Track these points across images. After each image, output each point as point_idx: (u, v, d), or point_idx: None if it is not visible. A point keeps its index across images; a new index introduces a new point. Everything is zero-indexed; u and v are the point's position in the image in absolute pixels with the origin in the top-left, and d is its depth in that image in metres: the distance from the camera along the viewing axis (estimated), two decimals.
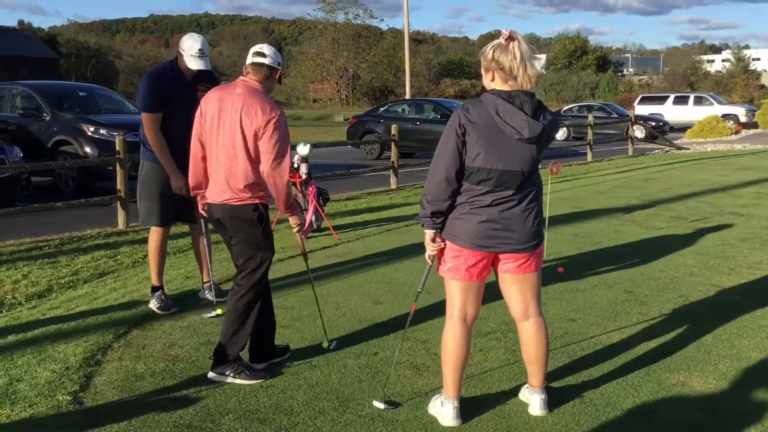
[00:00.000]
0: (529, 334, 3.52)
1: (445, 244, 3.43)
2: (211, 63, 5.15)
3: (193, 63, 5.00)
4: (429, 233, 3.44)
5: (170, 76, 5.08)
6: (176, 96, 5.07)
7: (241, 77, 4.10)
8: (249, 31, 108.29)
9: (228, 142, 3.97)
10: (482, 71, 3.33)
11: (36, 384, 3.94)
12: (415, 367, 4.17)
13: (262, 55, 4.04)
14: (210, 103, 4.05)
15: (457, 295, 3.46)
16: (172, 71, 5.10)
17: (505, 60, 3.19)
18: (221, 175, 4.01)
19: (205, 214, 4.34)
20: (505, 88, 3.24)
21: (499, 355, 4.35)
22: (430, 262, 3.58)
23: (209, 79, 5.23)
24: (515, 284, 3.47)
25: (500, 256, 3.41)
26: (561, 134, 27.69)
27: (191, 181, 4.24)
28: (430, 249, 3.47)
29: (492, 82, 3.28)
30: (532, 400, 3.60)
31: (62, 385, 3.93)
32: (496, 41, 3.27)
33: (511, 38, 3.20)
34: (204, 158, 4.13)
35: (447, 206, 3.35)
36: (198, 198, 4.32)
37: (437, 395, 3.62)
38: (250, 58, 4.07)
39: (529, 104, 3.19)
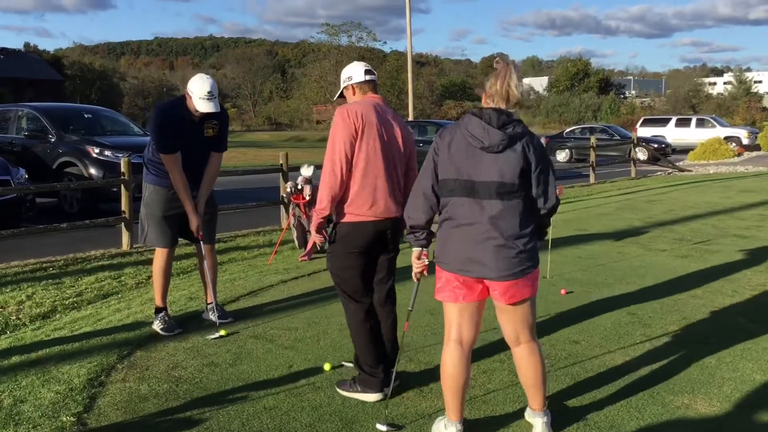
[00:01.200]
0: (522, 358, 3.50)
1: (428, 261, 3.52)
2: (216, 85, 5.17)
3: (202, 106, 5.00)
4: (415, 251, 3.53)
5: (179, 114, 5.10)
6: (185, 135, 5.10)
7: (370, 95, 4.07)
8: (253, 53, 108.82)
9: (396, 158, 4.01)
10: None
11: (40, 405, 3.94)
12: (419, 389, 4.16)
13: (373, 72, 4.12)
14: (369, 120, 3.90)
15: (453, 318, 3.47)
16: (181, 110, 5.11)
17: (488, 81, 3.34)
18: (394, 191, 3.99)
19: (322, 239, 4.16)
20: (484, 106, 3.35)
21: (503, 377, 4.35)
22: (415, 280, 3.65)
23: (217, 115, 5.23)
24: (504, 313, 3.45)
25: (486, 282, 3.37)
26: (564, 156, 27.76)
27: (331, 205, 3.92)
28: (416, 266, 3.57)
29: (483, 102, 3.41)
30: (535, 423, 3.58)
31: (66, 406, 3.93)
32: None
33: (497, 61, 3.35)
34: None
35: (425, 221, 3.42)
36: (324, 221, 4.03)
37: (440, 417, 3.62)
38: (364, 76, 4.09)
39: (495, 118, 3.25)
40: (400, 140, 4.03)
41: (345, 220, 3.94)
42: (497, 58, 3.37)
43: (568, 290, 6.40)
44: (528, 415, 3.70)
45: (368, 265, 4.05)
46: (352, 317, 4.09)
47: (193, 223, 5.24)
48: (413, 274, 3.61)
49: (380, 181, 3.92)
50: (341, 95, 4.25)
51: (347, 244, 3.98)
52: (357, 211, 3.92)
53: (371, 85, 4.11)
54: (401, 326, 4.07)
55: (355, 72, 4.12)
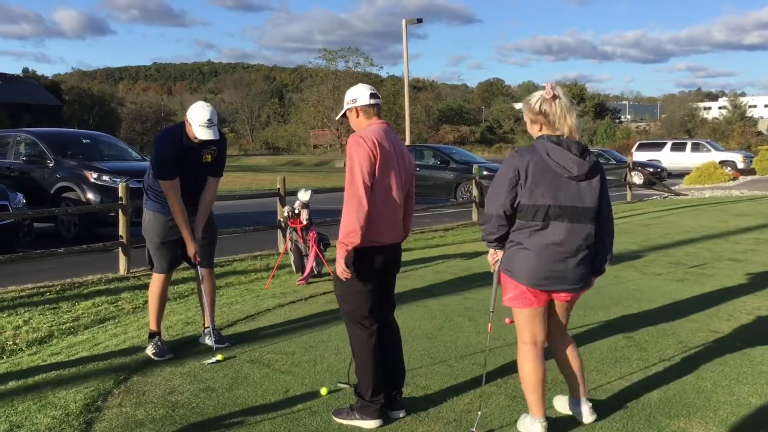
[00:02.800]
0: (569, 351, 3.91)
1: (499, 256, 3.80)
2: (216, 113, 5.21)
3: (201, 133, 5.04)
4: (491, 252, 3.82)
5: (178, 141, 5.13)
6: (184, 161, 5.15)
7: (375, 120, 4.05)
8: (251, 78, 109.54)
9: (406, 183, 4.08)
10: (528, 121, 3.72)
11: (36, 430, 3.94)
12: (416, 413, 4.16)
13: (378, 96, 4.12)
14: (383, 147, 3.89)
15: (526, 322, 3.76)
16: (180, 136, 5.14)
17: (551, 111, 3.59)
18: (401, 215, 4.07)
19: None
20: (547, 133, 3.63)
21: (500, 401, 4.34)
22: (493, 271, 3.86)
23: (215, 141, 5.23)
24: (559, 312, 3.84)
25: (555, 292, 3.73)
26: None
27: (358, 234, 3.81)
28: (492, 261, 3.84)
29: (539, 131, 3.67)
30: (583, 409, 3.93)
31: (62, 431, 3.92)
32: (539, 93, 3.67)
33: (555, 96, 3.60)
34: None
35: (500, 236, 3.70)
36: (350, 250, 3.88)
37: (525, 414, 3.91)
38: (369, 99, 4.04)
39: (576, 147, 3.58)
40: (407, 165, 4.10)
41: (362, 245, 3.86)
42: (551, 84, 3.63)
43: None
44: (569, 404, 4.03)
45: (375, 289, 4.03)
46: (358, 345, 4.04)
47: (191, 249, 5.26)
48: (491, 266, 3.84)
49: (396, 206, 3.98)
50: (344, 116, 4.19)
51: (363, 269, 3.94)
52: (376, 237, 3.90)
53: (376, 110, 4.07)
54: (442, 338, 4.10)
55: (360, 94, 4.07)
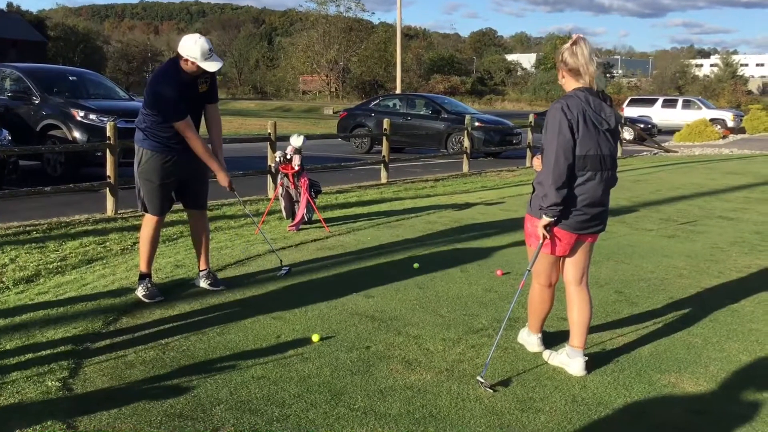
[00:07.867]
0: (580, 298, 4.02)
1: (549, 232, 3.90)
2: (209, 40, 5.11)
3: (210, 66, 4.93)
4: (547, 220, 3.80)
5: (178, 79, 5.00)
6: (186, 96, 5.01)
7: None
8: (240, 20, 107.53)
9: None
10: (564, 75, 3.84)
11: (24, 370, 3.89)
12: (407, 362, 4.15)
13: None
14: None
15: (546, 267, 4.04)
16: (178, 74, 5.00)
17: (568, 56, 3.75)
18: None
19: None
20: (577, 85, 3.77)
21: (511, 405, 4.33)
22: (544, 240, 3.91)
23: (206, 72, 5.11)
24: (582, 253, 3.99)
25: (583, 235, 3.93)
26: None
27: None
28: (545, 233, 3.86)
29: (562, 79, 3.84)
30: (575, 360, 4.00)
31: (51, 371, 3.88)
32: (566, 45, 3.81)
33: (576, 43, 3.74)
34: None
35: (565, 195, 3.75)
36: None
37: (524, 328, 4.41)
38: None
39: (608, 99, 3.79)
40: None
41: None
42: (578, 36, 3.75)
43: (505, 271, 6.31)
44: (563, 354, 4.10)
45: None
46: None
47: (224, 179, 5.30)
48: (542, 237, 3.87)
49: None
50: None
51: None
52: None
53: None
54: (434, 288, 4.07)
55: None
